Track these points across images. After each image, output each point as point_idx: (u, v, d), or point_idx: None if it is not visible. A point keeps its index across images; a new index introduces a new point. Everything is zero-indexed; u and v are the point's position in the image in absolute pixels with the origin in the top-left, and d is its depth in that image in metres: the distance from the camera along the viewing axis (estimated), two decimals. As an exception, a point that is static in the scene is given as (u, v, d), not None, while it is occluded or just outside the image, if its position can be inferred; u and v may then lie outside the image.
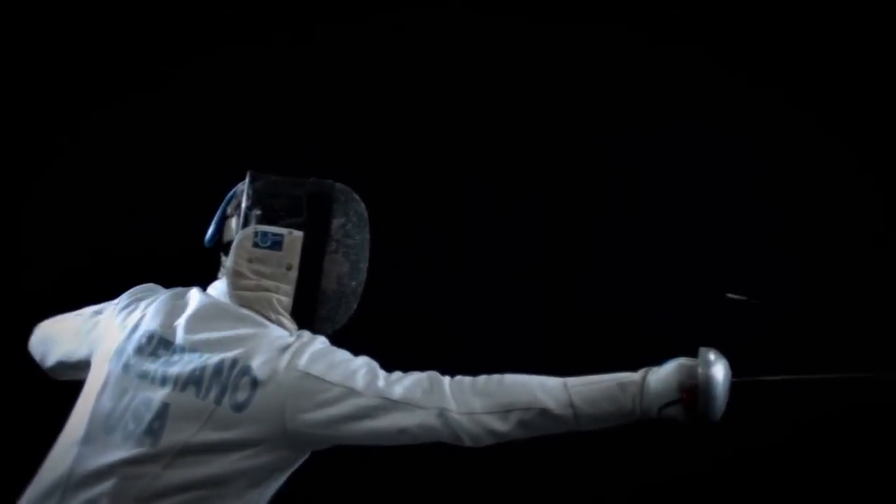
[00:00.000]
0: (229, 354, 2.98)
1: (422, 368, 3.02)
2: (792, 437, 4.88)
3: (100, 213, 5.16)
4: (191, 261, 3.34)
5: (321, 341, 3.04)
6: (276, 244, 3.11)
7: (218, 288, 3.15)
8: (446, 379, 2.98)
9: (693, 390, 2.87)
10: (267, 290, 3.09)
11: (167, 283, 3.31)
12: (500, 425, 2.92)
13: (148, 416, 2.96)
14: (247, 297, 3.09)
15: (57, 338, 3.39)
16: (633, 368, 3.04)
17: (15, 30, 5.09)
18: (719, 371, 2.89)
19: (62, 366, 3.37)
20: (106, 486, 2.91)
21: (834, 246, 5.17)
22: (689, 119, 5.20)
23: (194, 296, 3.14)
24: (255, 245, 3.11)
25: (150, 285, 3.32)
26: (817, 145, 5.16)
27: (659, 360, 3.26)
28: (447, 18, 5.25)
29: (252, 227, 3.12)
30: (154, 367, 3.02)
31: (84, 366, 3.21)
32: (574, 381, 2.96)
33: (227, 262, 3.13)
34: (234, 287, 3.10)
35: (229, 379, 2.94)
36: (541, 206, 5.25)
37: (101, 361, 3.11)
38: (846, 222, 5.22)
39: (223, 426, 2.92)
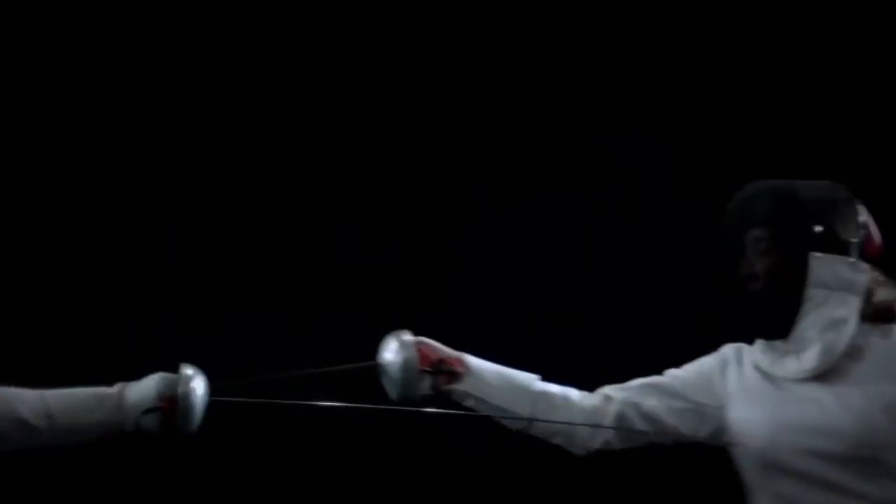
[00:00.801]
0: None
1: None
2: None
3: (100, 213, 5.16)
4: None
5: None
6: None
7: None
8: None
9: (173, 400, 2.99)
10: None
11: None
12: None
13: None
14: None
15: None
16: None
17: (15, 30, 5.09)
18: (199, 384, 3.03)
19: None
20: None
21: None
22: (688, 119, 5.20)
23: None
24: None
25: None
26: (817, 145, 5.17)
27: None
28: (447, 18, 5.25)
29: None
30: None
31: None
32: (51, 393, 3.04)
33: None
34: None
35: None
36: (542, 206, 5.25)
37: None
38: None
39: None
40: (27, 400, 2.99)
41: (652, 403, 3.21)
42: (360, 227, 5.20)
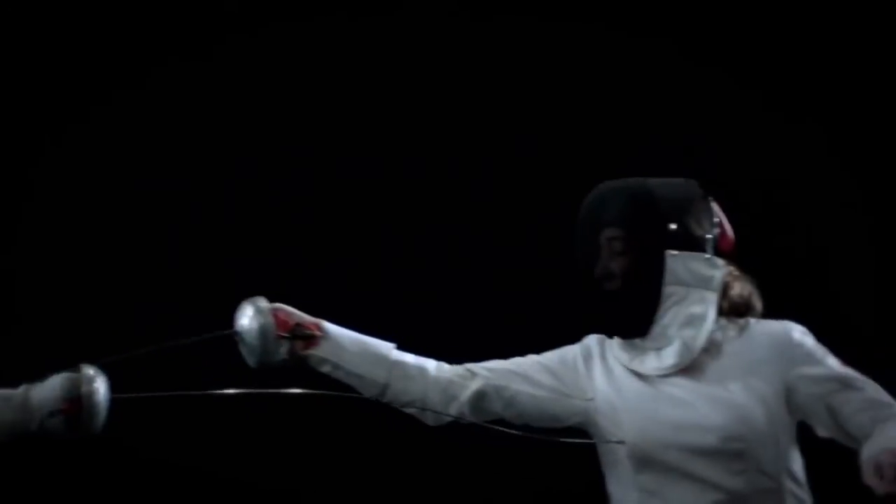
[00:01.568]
0: None
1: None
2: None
3: (98, 214, 5.16)
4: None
5: None
6: None
7: None
8: None
9: (77, 401, 2.97)
10: None
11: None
12: None
13: None
14: None
15: None
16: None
17: (15, 29, 5.09)
18: (101, 385, 3.00)
19: None
20: None
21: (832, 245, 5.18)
22: (688, 120, 5.20)
23: None
24: None
25: None
26: (816, 144, 5.17)
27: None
28: (447, 18, 5.25)
29: None
30: None
31: None
32: None
33: None
34: None
35: None
36: (540, 206, 5.25)
37: None
38: (846, 221, 5.22)
39: None
40: None
41: (515, 388, 3.20)
42: (360, 228, 5.21)
